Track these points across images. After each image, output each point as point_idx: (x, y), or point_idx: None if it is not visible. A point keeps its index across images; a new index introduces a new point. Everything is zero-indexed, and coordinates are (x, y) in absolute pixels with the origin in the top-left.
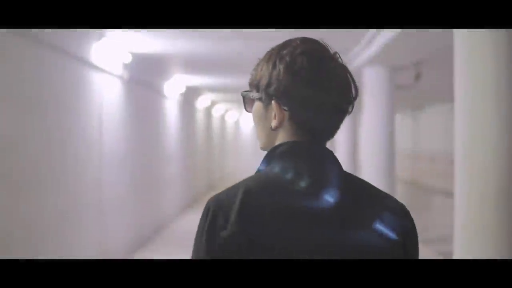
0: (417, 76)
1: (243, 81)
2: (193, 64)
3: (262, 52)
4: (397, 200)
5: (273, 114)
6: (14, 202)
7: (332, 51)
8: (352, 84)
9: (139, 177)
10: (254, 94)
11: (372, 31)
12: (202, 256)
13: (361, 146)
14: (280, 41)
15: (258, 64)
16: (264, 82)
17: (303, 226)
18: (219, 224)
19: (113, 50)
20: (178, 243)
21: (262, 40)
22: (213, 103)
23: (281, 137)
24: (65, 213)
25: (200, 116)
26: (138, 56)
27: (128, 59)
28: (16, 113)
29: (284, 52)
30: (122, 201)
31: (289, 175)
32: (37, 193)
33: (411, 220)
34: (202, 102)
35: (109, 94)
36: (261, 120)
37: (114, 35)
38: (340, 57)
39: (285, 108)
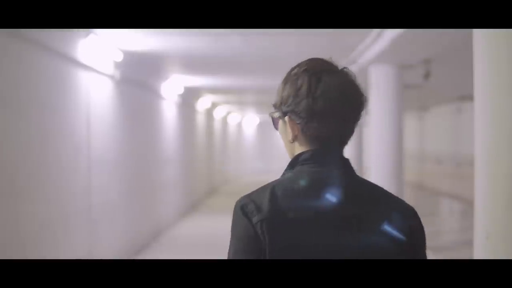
0: (427, 75)
1: (245, 82)
2: (192, 63)
3: (265, 50)
4: (405, 202)
5: (289, 129)
6: None
7: (339, 67)
8: (360, 95)
9: (133, 183)
10: (275, 114)
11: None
12: (241, 246)
13: (368, 147)
14: (282, 38)
15: (279, 86)
16: (279, 101)
17: (317, 227)
18: (251, 210)
19: (102, 47)
20: (177, 250)
21: (264, 37)
22: (214, 105)
23: (298, 148)
24: (48, 222)
25: (201, 118)
26: (130, 54)
27: (119, 57)
28: None
29: (293, 72)
30: (114, 208)
31: (304, 178)
32: (15, 201)
33: (419, 221)
34: (202, 104)
35: (98, 95)
36: (284, 135)
37: (103, 32)
38: (348, 71)
39: (298, 122)
